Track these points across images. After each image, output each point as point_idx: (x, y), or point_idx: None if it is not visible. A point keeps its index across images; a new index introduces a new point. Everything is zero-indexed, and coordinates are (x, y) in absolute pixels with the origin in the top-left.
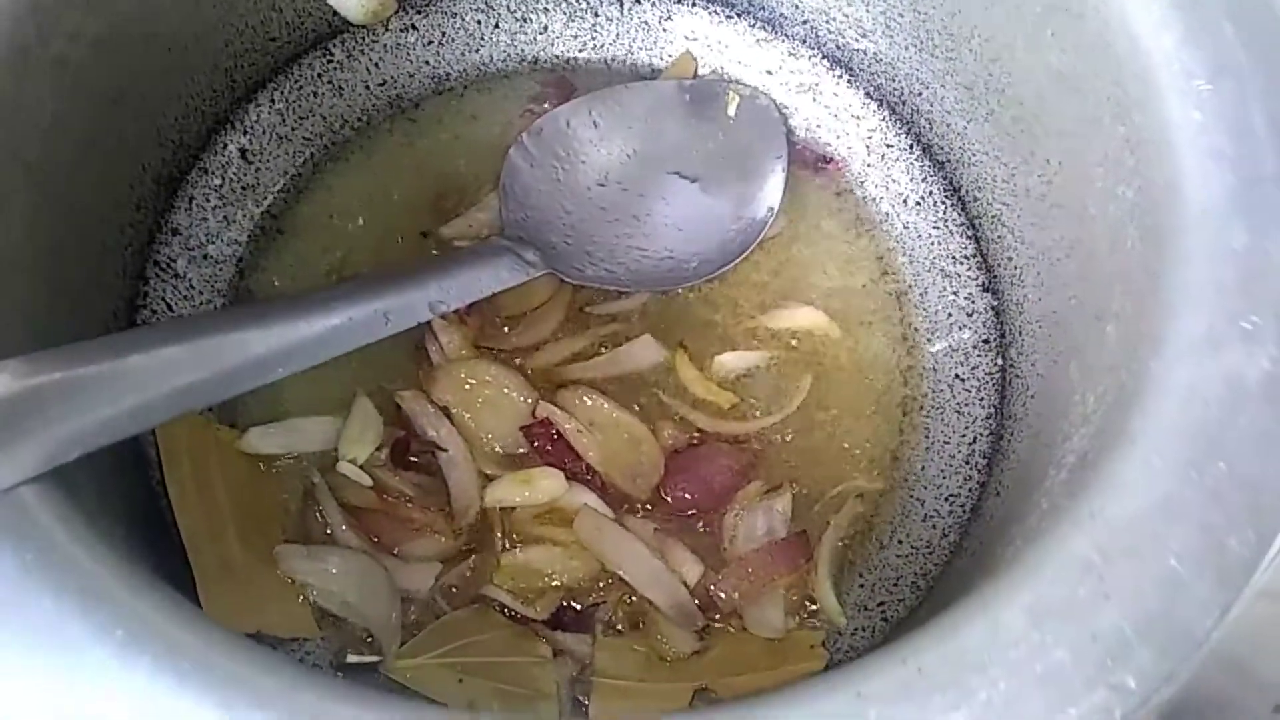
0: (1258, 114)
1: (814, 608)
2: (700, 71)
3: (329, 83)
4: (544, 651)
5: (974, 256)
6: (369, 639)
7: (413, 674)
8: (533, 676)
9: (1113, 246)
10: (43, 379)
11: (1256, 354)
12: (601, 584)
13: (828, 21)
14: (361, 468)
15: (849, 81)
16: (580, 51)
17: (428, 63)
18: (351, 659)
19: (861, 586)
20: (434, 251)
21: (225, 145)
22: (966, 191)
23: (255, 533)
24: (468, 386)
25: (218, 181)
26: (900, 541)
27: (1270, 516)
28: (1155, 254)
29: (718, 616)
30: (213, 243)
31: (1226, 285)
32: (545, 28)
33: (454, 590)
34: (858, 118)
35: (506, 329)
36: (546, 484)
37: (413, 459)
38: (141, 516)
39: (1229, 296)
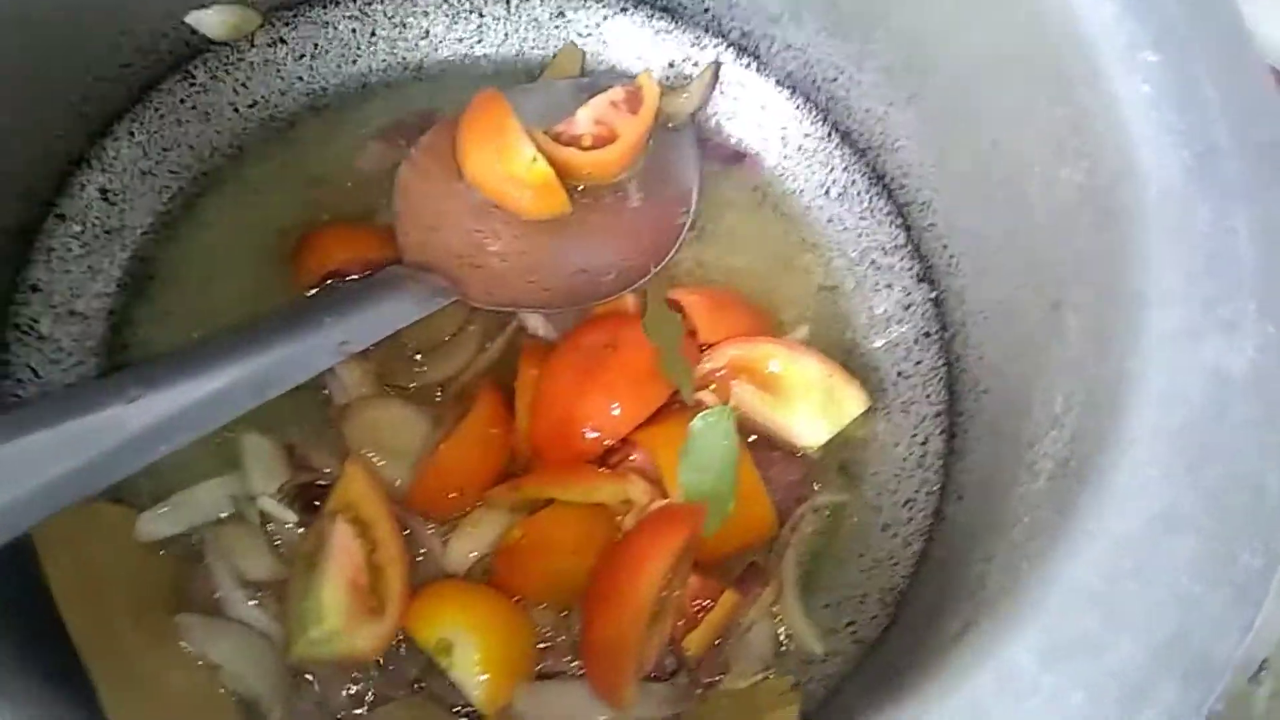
0: (1206, 84)
1: None
2: (597, 67)
3: (193, 108)
4: None
5: (905, 246)
6: None
7: None
8: None
9: (1063, 232)
10: None
11: (1238, 343)
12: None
13: (730, 8)
14: (265, 528)
15: (758, 70)
16: (467, 55)
17: (301, 78)
18: None
19: (827, 607)
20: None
21: (83, 187)
22: (892, 179)
23: (153, 619)
24: (373, 430)
25: (78, 228)
26: (861, 555)
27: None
28: (1115, 239)
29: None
30: (79, 297)
31: (1196, 271)
32: (426, 32)
33: (389, 667)
34: (769, 108)
35: (415, 360)
36: (494, 517)
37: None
38: (26, 612)
39: (1201, 283)
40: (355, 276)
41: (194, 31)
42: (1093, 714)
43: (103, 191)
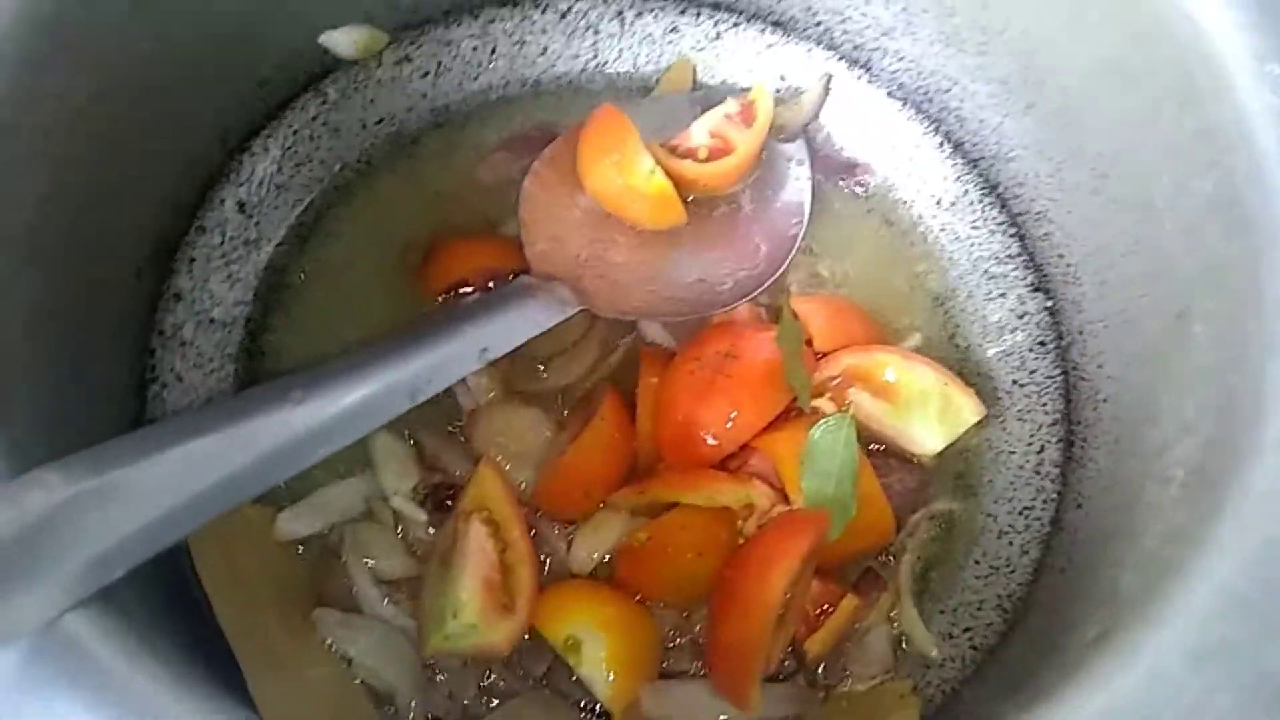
0: None
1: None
2: (709, 81)
3: (324, 124)
4: None
5: (1020, 256)
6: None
7: None
8: None
9: (1190, 241)
10: (75, 488)
11: None
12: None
13: (843, 22)
14: (397, 527)
15: (869, 81)
16: (583, 71)
17: (425, 95)
18: None
19: (943, 613)
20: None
21: (223, 200)
22: (1006, 189)
23: (294, 614)
24: (500, 434)
25: (218, 239)
26: (977, 562)
27: None
28: (1247, 248)
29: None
30: (218, 305)
31: None
32: (545, 49)
33: (516, 663)
34: (881, 119)
35: (539, 367)
36: (616, 519)
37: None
38: (182, 611)
39: None
40: (485, 286)
41: (326, 51)
42: (1241, 717)
43: (240, 205)
